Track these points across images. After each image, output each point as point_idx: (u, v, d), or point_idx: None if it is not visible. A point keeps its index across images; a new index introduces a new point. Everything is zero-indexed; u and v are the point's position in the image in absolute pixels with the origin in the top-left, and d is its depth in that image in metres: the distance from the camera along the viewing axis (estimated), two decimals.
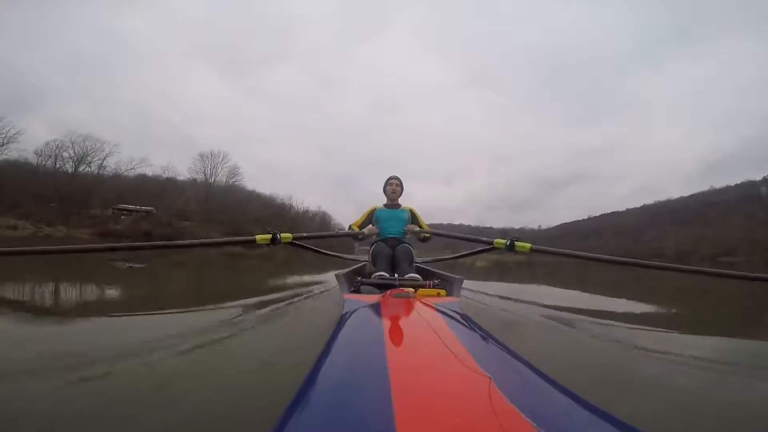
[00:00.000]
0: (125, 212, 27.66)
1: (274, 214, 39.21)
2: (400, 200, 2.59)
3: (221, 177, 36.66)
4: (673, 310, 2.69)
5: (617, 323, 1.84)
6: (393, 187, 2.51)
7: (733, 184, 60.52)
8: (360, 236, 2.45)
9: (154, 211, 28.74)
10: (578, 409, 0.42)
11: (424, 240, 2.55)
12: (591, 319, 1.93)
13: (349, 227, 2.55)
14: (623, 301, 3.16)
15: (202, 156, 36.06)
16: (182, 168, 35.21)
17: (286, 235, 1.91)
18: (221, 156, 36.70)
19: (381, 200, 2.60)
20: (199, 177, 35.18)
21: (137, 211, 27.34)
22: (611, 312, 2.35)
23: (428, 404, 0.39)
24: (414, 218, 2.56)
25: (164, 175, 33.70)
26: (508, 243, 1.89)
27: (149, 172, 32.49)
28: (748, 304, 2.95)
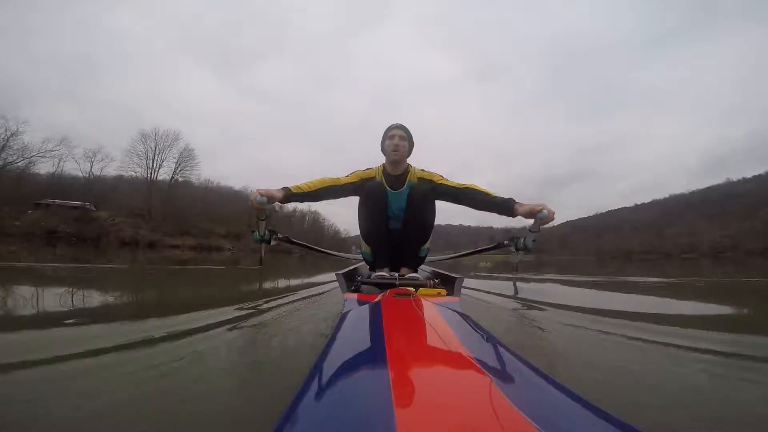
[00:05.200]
0: (58, 208, 26.34)
1: (242, 210, 37.95)
2: (410, 161, 1.98)
3: (169, 164, 33.39)
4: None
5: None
6: (396, 141, 1.86)
7: (750, 176, 64.90)
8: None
9: (88, 206, 27.56)
10: (579, 409, 0.47)
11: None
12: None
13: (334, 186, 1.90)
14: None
15: (143, 136, 31.92)
16: (118, 152, 32.94)
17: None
18: (171, 136, 32.88)
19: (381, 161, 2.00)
20: (138, 167, 31.91)
21: (47, 205, 25.95)
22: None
23: (428, 404, 0.45)
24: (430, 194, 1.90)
25: (92, 163, 31.58)
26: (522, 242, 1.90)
27: (70, 157, 30.38)
28: None
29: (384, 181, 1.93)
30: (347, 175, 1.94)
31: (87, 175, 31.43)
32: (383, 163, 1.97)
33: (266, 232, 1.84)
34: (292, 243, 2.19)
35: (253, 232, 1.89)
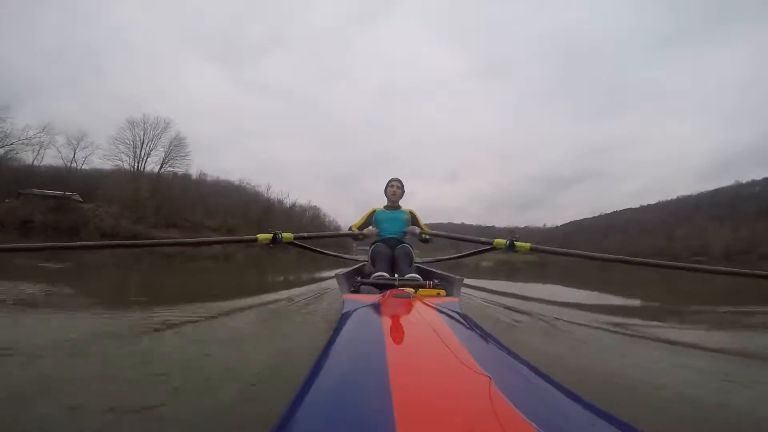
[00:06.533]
0: (43, 198, 26.10)
1: (239, 203, 37.64)
2: (401, 202, 3.04)
3: (160, 153, 32.50)
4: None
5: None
6: (394, 189, 2.95)
7: (760, 178, 66.22)
8: (360, 237, 2.83)
9: (73, 197, 27.35)
10: (578, 408, 0.50)
11: (425, 241, 2.89)
12: None
13: (350, 229, 2.96)
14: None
15: (131, 123, 30.70)
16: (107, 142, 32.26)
17: (288, 235, 2.31)
18: (161, 124, 31.66)
19: (382, 201, 3.05)
20: (125, 155, 31.08)
21: (26, 195, 25.65)
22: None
23: (428, 404, 0.47)
24: (414, 220, 2.97)
25: (75, 151, 30.92)
26: (507, 243, 2.26)
27: (63, 146, 30.06)
28: None
29: (385, 209, 2.95)
30: (360, 219, 2.94)
31: (68, 165, 30.94)
32: (385, 205, 2.98)
33: (279, 236, 2.22)
34: (294, 245, 2.38)
35: (275, 234, 2.23)
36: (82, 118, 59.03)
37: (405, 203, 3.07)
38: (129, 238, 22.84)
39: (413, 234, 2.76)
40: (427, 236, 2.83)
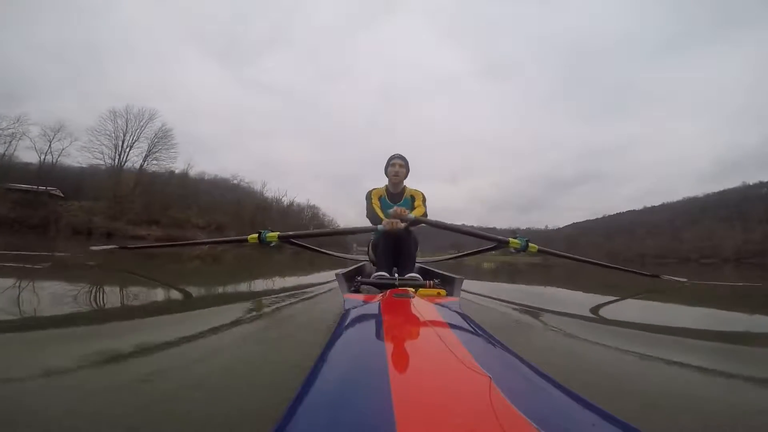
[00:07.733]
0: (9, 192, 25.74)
1: (232, 200, 37.55)
2: (406, 183, 2.75)
3: (142, 144, 32.15)
4: None
5: None
6: (396, 169, 2.65)
7: (767, 180, 68.14)
8: (402, 219, 2.23)
9: (52, 192, 27.09)
10: (579, 408, 0.52)
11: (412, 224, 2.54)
12: None
13: (369, 202, 2.65)
14: None
15: (113, 114, 30.57)
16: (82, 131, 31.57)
17: (272, 235, 2.34)
18: (146, 115, 31.58)
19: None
20: (106, 148, 30.56)
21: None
22: None
23: (428, 404, 0.49)
24: (411, 205, 2.67)
25: (50, 140, 30.07)
26: (522, 244, 2.35)
27: (26, 135, 29.31)
28: None
29: (386, 195, 2.69)
30: (370, 201, 2.67)
31: (42, 157, 30.44)
32: (386, 185, 2.71)
33: (264, 236, 2.25)
34: (292, 243, 2.41)
35: (260, 233, 2.25)
36: (79, 117, 59.36)
37: (410, 185, 2.77)
38: (104, 235, 22.66)
39: (393, 217, 2.28)
40: (405, 224, 2.29)
